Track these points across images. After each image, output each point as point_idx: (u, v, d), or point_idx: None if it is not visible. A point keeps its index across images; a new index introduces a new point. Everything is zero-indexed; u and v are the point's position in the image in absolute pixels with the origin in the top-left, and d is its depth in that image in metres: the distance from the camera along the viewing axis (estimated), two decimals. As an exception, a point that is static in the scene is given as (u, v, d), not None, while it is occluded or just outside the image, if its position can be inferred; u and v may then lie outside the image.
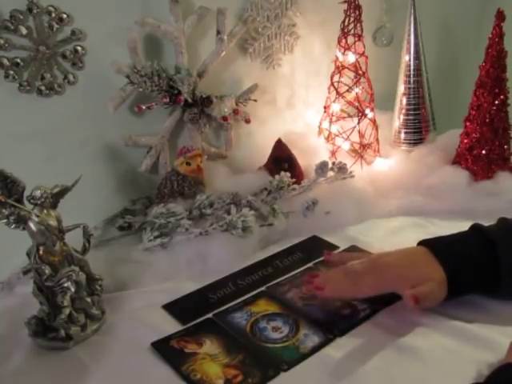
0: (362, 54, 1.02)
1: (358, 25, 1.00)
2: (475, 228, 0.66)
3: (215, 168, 0.99)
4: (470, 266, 0.62)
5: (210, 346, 0.61)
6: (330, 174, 0.96)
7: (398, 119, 1.10)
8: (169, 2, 0.89)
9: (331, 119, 1.05)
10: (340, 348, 0.60)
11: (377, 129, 1.05)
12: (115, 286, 0.74)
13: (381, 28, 1.18)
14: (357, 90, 1.02)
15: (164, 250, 0.80)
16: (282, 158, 0.98)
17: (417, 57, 1.06)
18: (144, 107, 0.90)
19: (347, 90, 1.03)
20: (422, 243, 0.66)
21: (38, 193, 0.61)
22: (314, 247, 0.82)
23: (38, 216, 0.61)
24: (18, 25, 0.79)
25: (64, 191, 0.64)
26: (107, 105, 0.89)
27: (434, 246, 0.64)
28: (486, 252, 0.62)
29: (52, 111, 0.86)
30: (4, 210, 0.60)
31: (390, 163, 1.04)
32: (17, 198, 0.61)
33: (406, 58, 1.06)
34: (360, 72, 1.02)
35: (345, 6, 1.00)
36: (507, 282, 0.61)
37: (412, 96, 1.07)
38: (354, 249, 0.79)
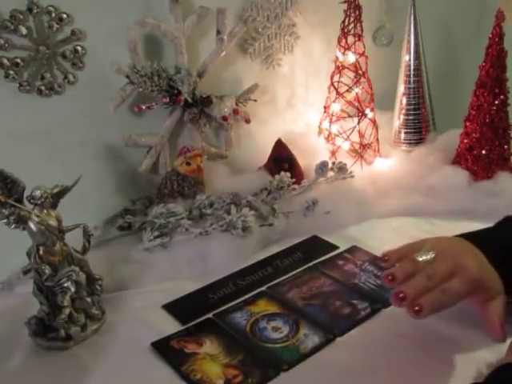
0: (362, 54, 1.02)
1: (358, 25, 1.00)
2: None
3: (215, 168, 0.98)
4: None
5: (209, 346, 0.61)
6: (330, 174, 0.96)
7: (398, 119, 1.10)
8: (169, 2, 0.89)
9: (331, 119, 1.05)
10: (340, 348, 0.60)
11: (377, 129, 1.05)
12: (115, 286, 0.74)
13: (381, 28, 1.17)
14: (357, 90, 1.02)
15: (164, 250, 0.80)
16: (281, 158, 0.98)
17: (417, 57, 1.06)
18: (144, 107, 0.90)
19: (347, 90, 1.03)
20: (474, 242, 0.62)
21: (37, 193, 0.61)
22: (314, 247, 0.82)
23: (38, 216, 0.61)
24: (18, 25, 0.79)
25: (64, 191, 0.64)
26: (107, 105, 0.88)
27: (487, 249, 0.60)
28: None
29: (52, 111, 0.86)
30: (4, 210, 0.60)
31: (390, 163, 1.04)
32: (17, 198, 0.61)
33: (406, 58, 1.06)
34: (360, 72, 1.02)
35: (345, 5, 1.00)
36: None
37: (412, 96, 1.07)
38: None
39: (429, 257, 0.60)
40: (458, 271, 0.58)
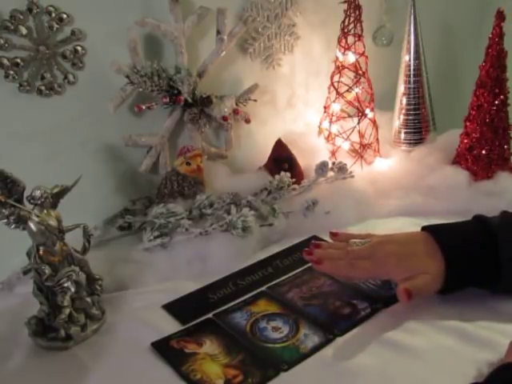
0: (362, 54, 1.02)
1: (358, 25, 1.00)
2: (478, 219, 0.66)
3: (215, 168, 0.98)
4: (471, 259, 0.62)
5: (209, 346, 0.61)
6: (330, 174, 0.96)
7: (398, 119, 1.10)
8: (169, 2, 0.89)
9: (331, 119, 1.05)
10: (340, 348, 0.60)
11: (377, 129, 1.05)
12: (115, 286, 0.74)
13: (381, 28, 1.17)
14: (357, 89, 1.02)
15: (164, 250, 0.80)
16: (281, 158, 0.98)
17: (417, 57, 1.05)
18: (144, 107, 0.90)
19: (347, 90, 1.02)
20: (426, 229, 0.67)
21: (37, 193, 0.61)
22: (314, 247, 0.82)
23: (38, 216, 0.61)
24: (18, 25, 0.79)
25: (64, 191, 0.64)
26: (107, 105, 0.88)
27: (439, 235, 0.65)
28: (487, 245, 0.62)
29: (52, 111, 0.86)
30: (4, 210, 0.60)
31: (390, 163, 1.04)
32: (17, 198, 0.61)
33: (406, 58, 1.06)
34: (360, 72, 1.02)
35: (345, 5, 1.00)
36: (507, 276, 0.61)
37: (412, 96, 1.07)
38: None
39: (360, 243, 0.67)
40: (373, 256, 0.65)
